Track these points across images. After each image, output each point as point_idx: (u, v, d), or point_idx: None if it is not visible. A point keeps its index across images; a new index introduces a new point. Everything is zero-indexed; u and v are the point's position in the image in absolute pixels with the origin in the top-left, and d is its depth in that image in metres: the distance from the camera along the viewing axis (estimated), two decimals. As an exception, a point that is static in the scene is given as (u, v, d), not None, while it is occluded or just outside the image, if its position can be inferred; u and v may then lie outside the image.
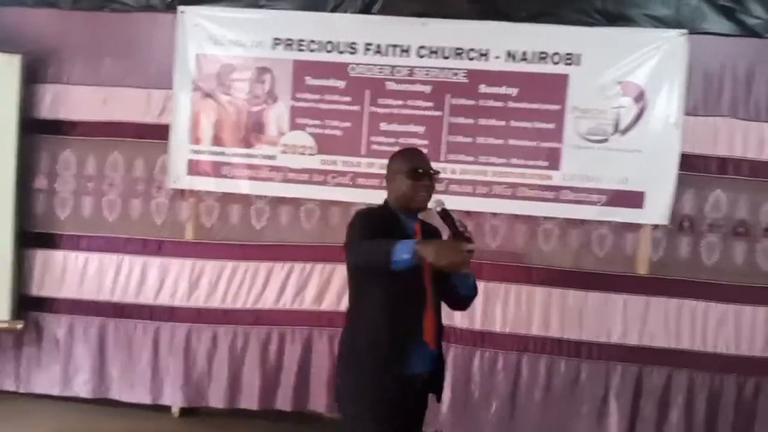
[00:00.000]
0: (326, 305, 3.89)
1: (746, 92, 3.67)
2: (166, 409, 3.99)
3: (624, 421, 3.66)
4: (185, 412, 3.98)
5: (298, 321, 3.90)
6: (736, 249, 3.71)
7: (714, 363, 3.65)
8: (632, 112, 3.72)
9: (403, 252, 1.99)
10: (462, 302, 2.44)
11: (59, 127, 4.04)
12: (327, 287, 3.89)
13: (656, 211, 3.70)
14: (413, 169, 2.30)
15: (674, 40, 3.67)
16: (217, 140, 3.96)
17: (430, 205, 2.29)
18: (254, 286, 3.93)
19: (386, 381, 2.19)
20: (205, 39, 3.93)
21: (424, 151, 3.72)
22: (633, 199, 3.72)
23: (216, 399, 3.90)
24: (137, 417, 3.91)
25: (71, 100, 4.01)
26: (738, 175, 3.68)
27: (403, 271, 2.04)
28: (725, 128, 3.69)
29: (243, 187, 3.95)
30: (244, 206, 3.99)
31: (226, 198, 3.98)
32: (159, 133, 3.96)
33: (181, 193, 4.00)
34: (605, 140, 3.74)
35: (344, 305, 3.86)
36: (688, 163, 3.68)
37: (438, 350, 2.36)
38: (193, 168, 3.97)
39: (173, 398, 3.94)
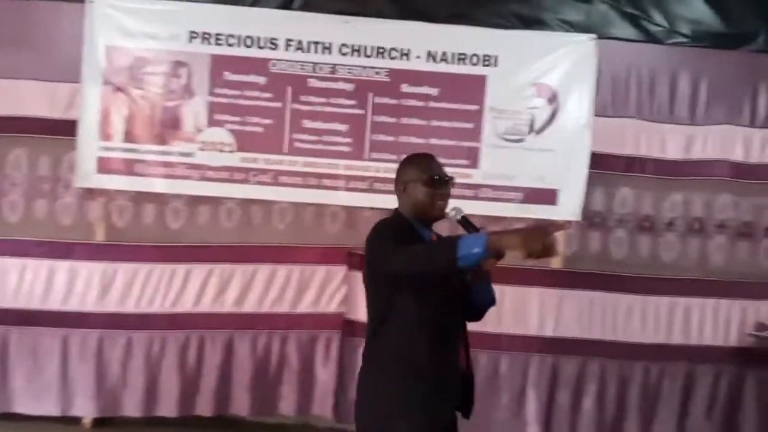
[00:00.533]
0: (248, 307, 3.79)
1: (650, 95, 3.92)
2: (77, 420, 3.76)
3: (541, 409, 3.80)
4: (98, 422, 3.78)
5: (219, 324, 3.78)
6: (641, 243, 3.95)
7: (623, 351, 3.84)
8: (546, 113, 3.87)
9: (472, 246, 1.78)
10: (477, 313, 2.28)
11: (-45, 122, 3.74)
12: (249, 288, 3.79)
13: (569, 207, 3.87)
14: (431, 177, 2.13)
15: (585, 44, 3.84)
16: (129, 136, 3.78)
17: (447, 212, 2.16)
18: (171, 289, 3.76)
19: (420, 418, 2.04)
20: (115, 30, 3.74)
21: (347, 149, 3.86)
22: (548, 197, 3.88)
23: (131, 408, 3.71)
24: (45, 431, 3.68)
25: (-32, 93, 3.72)
26: (643, 173, 3.92)
27: (443, 284, 1.97)
28: (631, 129, 3.92)
29: (158, 185, 3.79)
30: (159, 206, 3.84)
31: (140, 197, 3.81)
32: (65, 128, 3.74)
33: (90, 193, 3.80)
34: (521, 140, 3.87)
35: (266, 306, 3.86)
36: (598, 162, 3.87)
37: (470, 373, 2.24)
38: (104, 166, 3.77)
39: (85, 409, 3.72)
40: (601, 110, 3.88)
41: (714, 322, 3.85)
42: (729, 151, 3.90)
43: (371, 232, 2.14)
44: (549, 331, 3.83)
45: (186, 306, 3.77)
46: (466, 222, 2.12)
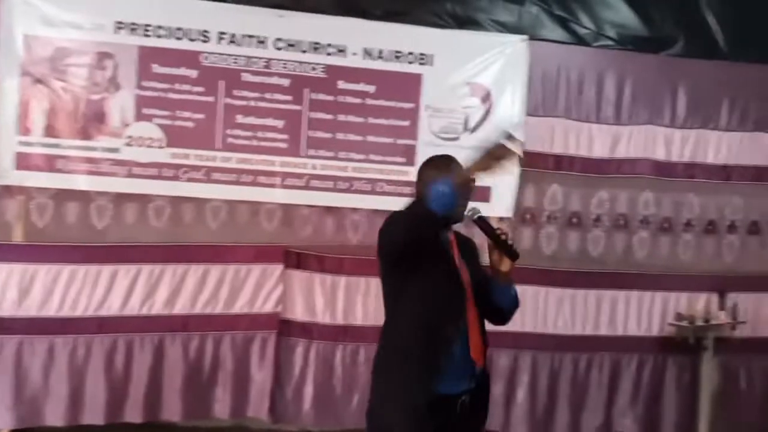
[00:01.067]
0: (179, 309, 3.67)
1: (578, 95, 4.04)
2: (-7, 433, 3.55)
3: (476, 403, 3.88)
4: (17, 433, 3.58)
5: (148, 327, 3.64)
6: (570, 238, 4.08)
7: (553, 343, 3.97)
8: (480, 111, 3.94)
9: (438, 191, 1.95)
10: (499, 316, 2.26)
11: None
12: (180, 289, 3.66)
13: (502, 204, 3.95)
14: (466, 176, 2.10)
15: (516, 45, 3.93)
16: (50, 131, 3.57)
17: (466, 213, 2.16)
18: (96, 292, 3.58)
19: (418, 397, 2.00)
20: (35, 19, 3.52)
21: (283, 146, 3.80)
22: (481, 194, 3.91)
23: (54, 417, 3.51)
24: (-43, 445, 3.45)
25: None
26: (571, 171, 4.05)
27: (441, 278, 2.02)
28: (560, 128, 4.03)
29: (81, 182, 3.61)
30: (82, 204, 3.64)
31: (62, 195, 3.61)
32: (-22, 122, 3.50)
33: (7, 190, 3.56)
34: (456, 138, 3.92)
35: (198, 307, 3.76)
36: (529, 160, 3.93)
37: (484, 369, 2.18)
38: (22, 162, 3.54)
39: (2, 420, 3.49)
40: (532, 110, 3.98)
41: (638, 314, 4.04)
42: (651, 150, 4.08)
43: (384, 221, 2.12)
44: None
45: (113, 309, 3.61)
46: (483, 222, 2.12)
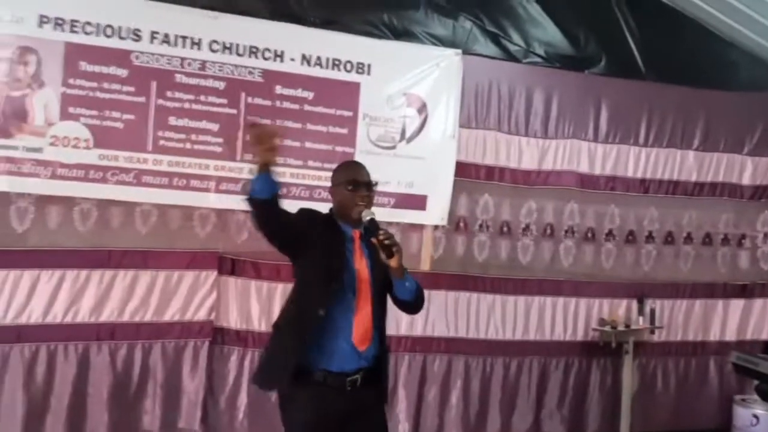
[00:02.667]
0: (106, 316, 3.52)
1: (508, 109, 4.19)
2: None
3: (411, 407, 3.92)
4: None
5: (72, 336, 3.46)
6: (501, 246, 4.21)
7: (485, 348, 4.08)
8: (416, 122, 4.02)
9: (253, 180, 2.13)
10: (404, 307, 2.43)
11: None
12: (107, 296, 3.52)
13: (437, 213, 4.04)
14: (350, 181, 2.36)
15: (450, 58, 4.05)
16: (-34, 128, 3.36)
17: (363, 214, 2.31)
18: (15, 298, 3.39)
19: (286, 366, 2.24)
20: (-53, 7, 3.32)
21: (218, 149, 3.72)
22: (417, 202, 4.01)
23: (-35, 433, 3.30)
24: None
25: None
26: (502, 182, 4.19)
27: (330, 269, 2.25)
28: (491, 140, 4.17)
29: (0, 183, 3.39)
30: (2, 206, 3.42)
31: (-22, 196, 3.40)
32: None
33: None
34: (393, 147, 3.98)
35: (127, 315, 3.61)
36: (462, 170, 4.08)
37: (372, 352, 2.32)
38: (-66, 160, 3.32)
39: None
40: (465, 121, 4.09)
41: (564, 319, 4.23)
42: (576, 163, 4.28)
43: None
44: (419, 331, 3.96)
45: (33, 317, 3.41)
46: (372, 224, 2.28)
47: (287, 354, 2.26)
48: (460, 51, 4.06)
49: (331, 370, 2.25)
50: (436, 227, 4.06)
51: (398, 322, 3.90)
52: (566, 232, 4.31)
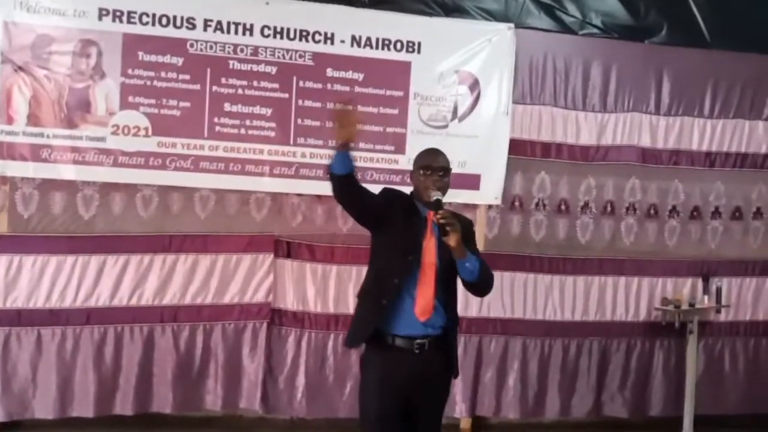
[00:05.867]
0: (169, 299, 3.65)
1: (564, 83, 4.06)
2: (-19, 427, 3.50)
3: (467, 389, 3.90)
4: (5, 426, 3.51)
5: (137, 318, 3.61)
6: (558, 225, 4.11)
7: (543, 329, 4.02)
8: (468, 99, 3.94)
9: (335, 165, 2.34)
10: (469, 287, 2.55)
11: None
12: (169, 280, 3.64)
13: (491, 192, 3.97)
14: (423, 166, 2.55)
15: (503, 33, 3.94)
16: (33, 120, 3.51)
17: (431, 196, 2.45)
18: (84, 282, 3.56)
19: (366, 328, 2.46)
20: (15, 5, 3.46)
21: (271, 134, 3.76)
22: (470, 182, 3.96)
23: (43, 409, 3.48)
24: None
25: None
26: (559, 158, 4.07)
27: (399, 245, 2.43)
28: (547, 116, 4.05)
29: (67, 172, 3.55)
30: (68, 193, 3.59)
31: (48, 184, 3.56)
32: (-41, 110, 3.43)
33: (-9, 180, 3.51)
34: (445, 126, 3.93)
35: (188, 298, 3.73)
36: (517, 147, 3.99)
37: (437, 322, 2.45)
38: (6, 151, 3.48)
39: (-10, 414, 3.47)
40: (519, 98, 3.99)
41: (625, 299, 4.10)
42: (636, 137, 4.11)
43: None
44: (473, 312, 3.93)
45: (101, 300, 3.57)
46: (437, 205, 2.42)
47: (367, 318, 2.48)
48: (512, 25, 3.95)
49: (399, 335, 2.43)
50: (490, 207, 4.00)
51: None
52: (627, 209, 4.16)
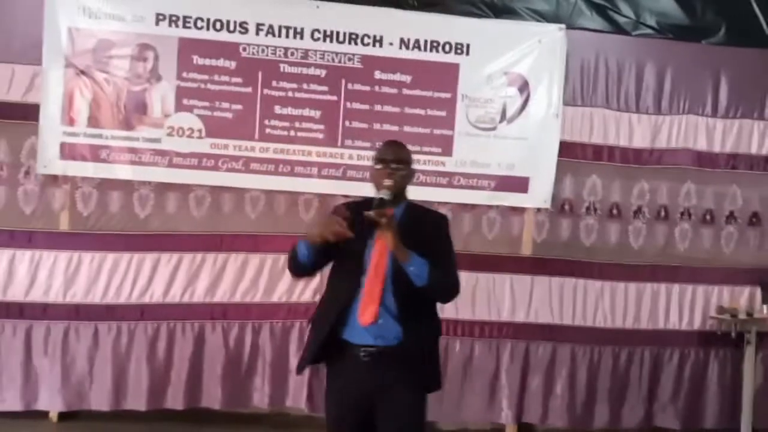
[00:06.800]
0: (219, 297, 3.73)
1: (617, 85, 3.97)
2: (43, 415, 3.64)
3: (513, 396, 3.85)
4: (64, 416, 3.66)
5: (189, 315, 3.71)
6: (610, 230, 4.01)
7: (592, 336, 3.93)
8: (517, 101, 3.90)
9: (301, 248, 2.29)
10: (424, 292, 2.29)
11: None
12: (220, 278, 3.73)
13: (540, 195, 3.92)
14: (377, 159, 2.42)
15: (553, 34, 3.89)
16: (93, 121, 3.65)
17: (382, 192, 2.28)
18: (139, 279, 3.68)
19: (317, 338, 2.37)
20: (78, 11, 3.61)
21: (320, 136, 3.81)
22: (519, 184, 3.91)
23: (99, 401, 3.61)
24: (9, 427, 3.52)
25: None
26: (611, 161, 3.98)
27: (344, 258, 2.31)
28: (599, 118, 3.97)
29: (124, 172, 3.68)
30: (125, 193, 3.71)
31: (105, 184, 3.69)
32: (25, 112, 3.60)
33: (53, 179, 3.65)
34: (493, 128, 3.90)
35: (238, 296, 3.81)
36: (567, 150, 3.93)
37: (387, 332, 2.27)
38: (67, 151, 3.63)
39: (50, 403, 3.61)
40: (570, 99, 3.93)
41: (679, 307, 3.98)
42: (692, 140, 4.00)
43: None
44: (521, 317, 3.89)
45: (155, 296, 3.69)
46: (380, 203, 2.22)
47: (319, 326, 2.39)
48: (563, 26, 3.89)
49: (348, 341, 2.29)
50: (538, 210, 3.94)
51: (499, 309, 3.90)
52: (682, 214, 4.04)
